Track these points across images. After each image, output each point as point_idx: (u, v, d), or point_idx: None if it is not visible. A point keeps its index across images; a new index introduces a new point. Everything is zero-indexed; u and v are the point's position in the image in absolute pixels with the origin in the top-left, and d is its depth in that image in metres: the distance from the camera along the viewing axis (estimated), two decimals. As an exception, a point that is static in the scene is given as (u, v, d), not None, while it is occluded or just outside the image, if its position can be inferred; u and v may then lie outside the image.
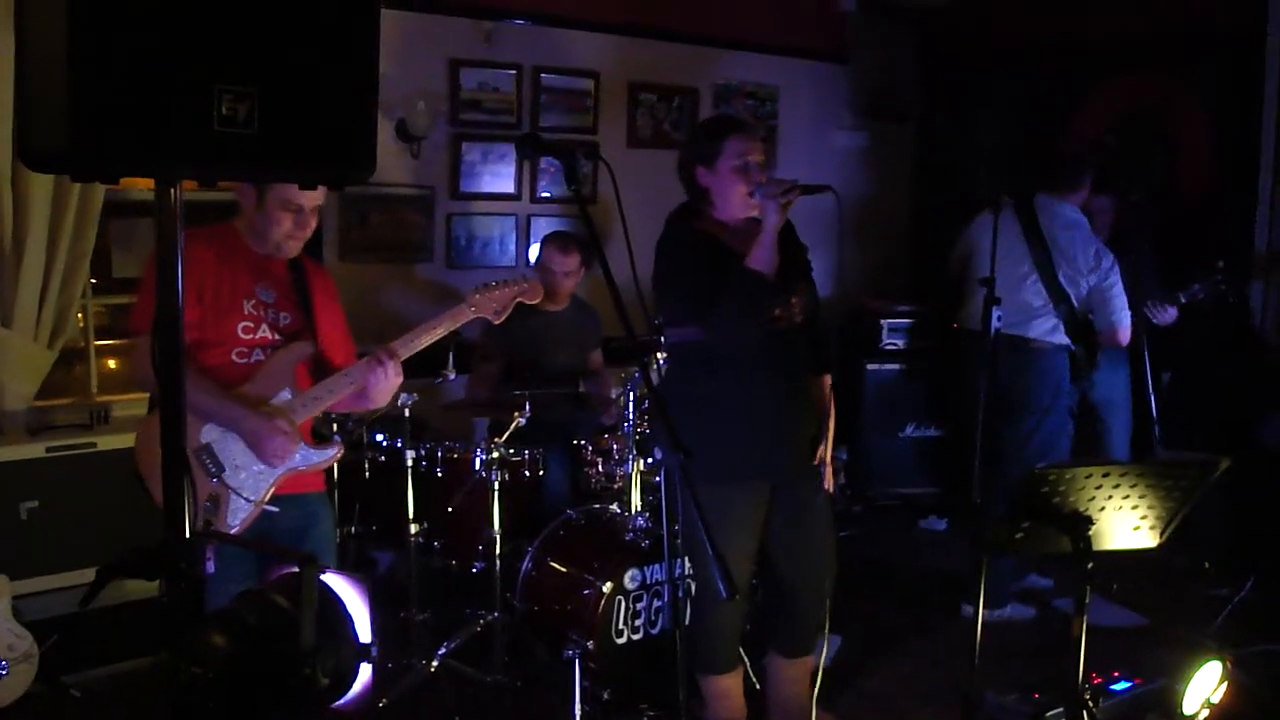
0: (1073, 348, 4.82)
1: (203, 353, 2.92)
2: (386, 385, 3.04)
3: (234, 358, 2.95)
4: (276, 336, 3.01)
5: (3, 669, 3.81)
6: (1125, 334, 4.75)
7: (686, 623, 3.68)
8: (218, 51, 1.53)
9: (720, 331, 3.47)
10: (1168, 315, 5.06)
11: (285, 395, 2.97)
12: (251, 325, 2.98)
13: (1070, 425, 4.98)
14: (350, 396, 3.06)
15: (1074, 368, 4.90)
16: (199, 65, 1.51)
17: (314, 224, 3.05)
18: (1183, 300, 5.03)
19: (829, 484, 3.71)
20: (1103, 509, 2.79)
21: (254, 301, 2.99)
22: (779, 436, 3.57)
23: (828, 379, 3.76)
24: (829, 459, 3.71)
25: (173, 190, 1.64)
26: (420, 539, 4.32)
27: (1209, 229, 5.78)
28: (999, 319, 3.45)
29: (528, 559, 4.18)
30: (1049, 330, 4.78)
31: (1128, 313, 4.74)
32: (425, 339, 3.12)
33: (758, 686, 3.99)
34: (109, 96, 1.46)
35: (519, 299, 3.29)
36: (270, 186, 2.92)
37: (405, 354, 3.08)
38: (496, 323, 3.29)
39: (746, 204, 3.50)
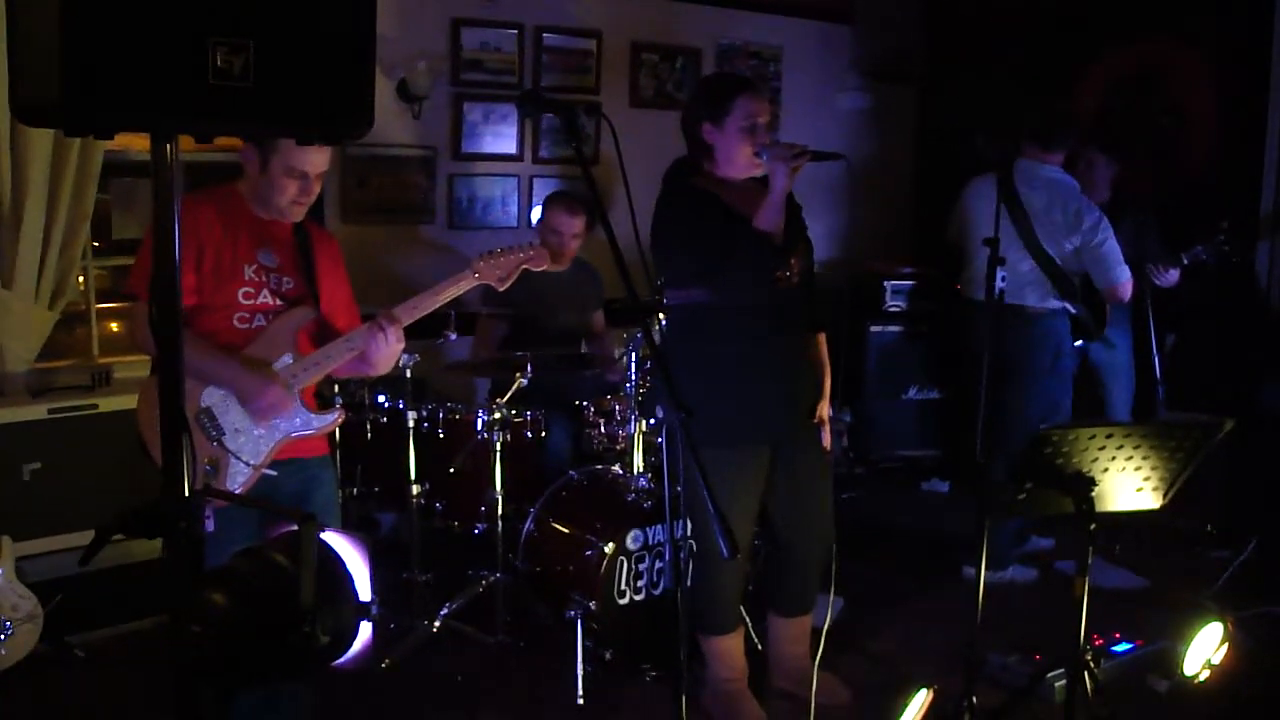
0: (1071, 310, 4.79)
1: (203, 317, 2.91)
2: (387, 351, 3.03)
3: (235, 322, 2.94)
4: (279, 302, 2.99)
5: (7, 629, 3.82)
6: (1125, 289, 4.70)
7: (688, 583, 3.69)
8: (212, 3, 1.51)
9: (726, 292, 3.46)
10: (1169, 277, 5.01)
11: (286, 360, 2.96)
12: (253, 291, 2.96)
13: (1071, 388, 4.97)
14: (352, 362, 3.05)
15: (1076, 329, 4.87)
16: (193, 17, 1.49)
17: (318, 190, 3.03)
18: (1185, 262, 4.98)
19: (827, 442, 3.72)
20: (1106, 470, 2.79)
21: (255, 266, 2.97)
22: (779, 398, 3.57)
23: (823, 336, 3.76)
24: (827, 417, 3.71)
25: (168, 146, 1.62)
26: (422, 500, 4.33)
27: (1214, 191, 5.72)
28: (1003, 279, 3.42)
29: (530, 520, 4.18)
30: (1042, 296, 4.73)
31: (1124, 268, 4.68)
32: (429, 304, 3.10)
33: (759, 647, 4.01)
34: (102, 49, 1.44)
35: (524, 266, 3.26)
36: (274, 151, 2.90)
37: (408, 320, 3.06)
38: (501, 289, 3.27)
39: (751, 163, 3.49)
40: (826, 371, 3.75)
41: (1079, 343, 4.98)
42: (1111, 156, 5.20)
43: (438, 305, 3.13)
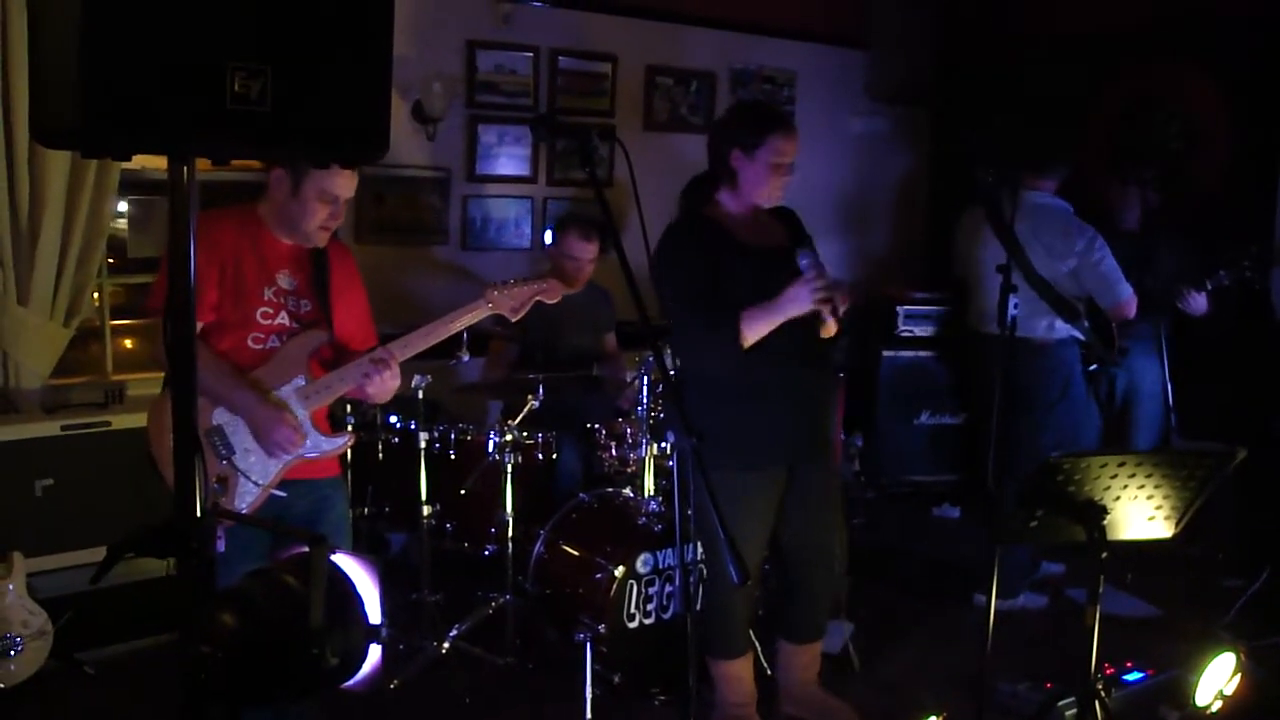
0: (1080, 337, 4.77)
1: (219, 335, 2.92)
2: (382, 388, 3.02)
3: (250, 343, 2.95)
4: (295, 324, 3.00)
5: (18, 645, 3.83)
6: (1129, 307, 4.65)
7: (698, 607, 3.68)
8: (230, 29, 1.53)
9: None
10: (1197, 303, 4.92)
11: (299, 382, 2.97)
12: (271, 311, 2.97)
13: (1097, 415, 4.94)
14: (359, 387, 3.06)
15: (1088, 355, 4.85)
16: (212, 43, 1.51)
17: (343, 215, 3.05)
18: (1209, 287, 4.94)
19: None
20: (1118, 499, 2.78)
21: (275, 288, 2.98)
22: (793, 422, 3.56)
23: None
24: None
25: (185, 168, 1.63)
26: (433, 521, 4.33)
27: (1228, 215, 5.70)
28: (1016, 306, 3.42)
29: (540, 542, 4.18)
30: (1046, 326, 4.71)
31: (1126, 285, 4.64)
32: (442, 332, 3.11)
33: (769, 672, 3.99)
34: (122, 73, 1.45)
35: (537, 298, 3.27)
36: (307, 175, 2.91)
37: (405, 356, 3.06)
38: (514, 320, 3.27)
39: (772, 196, 3.56)
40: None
41: (1093, 367, 4.96)
42: (1138, 182, 5.17)
43: (449, 334, 3.13)
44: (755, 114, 3.67)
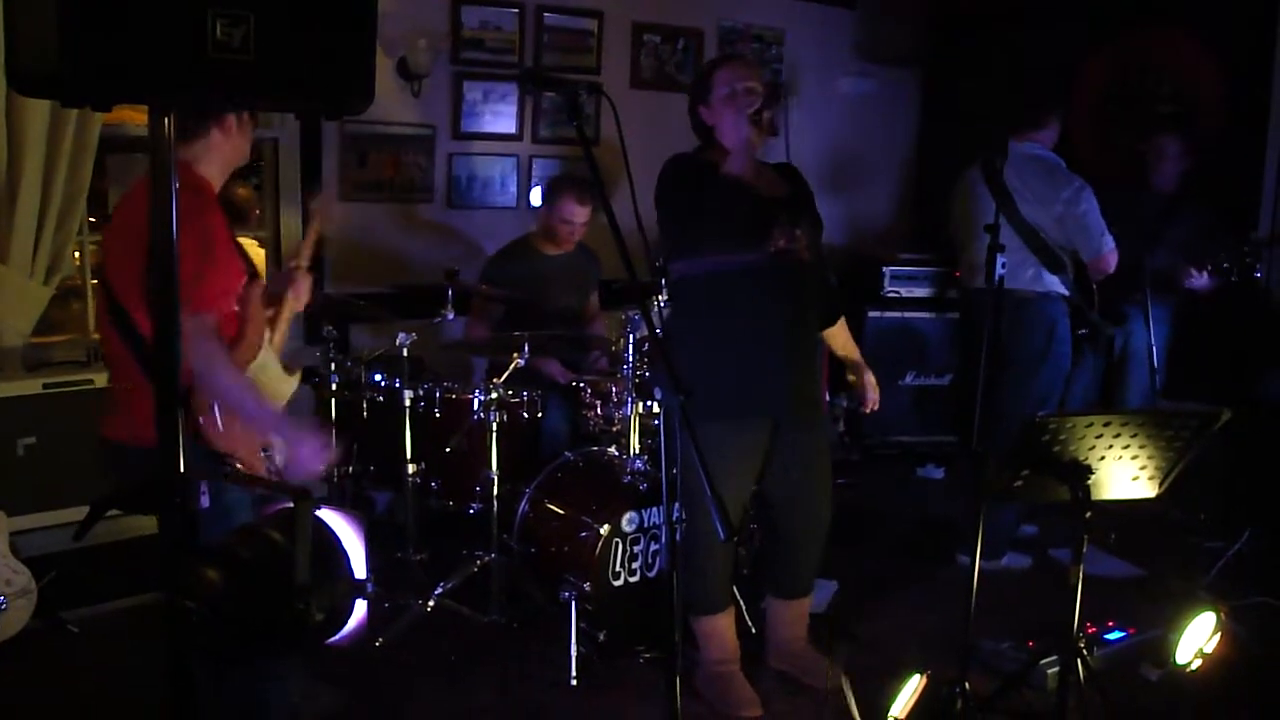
0: (1064, 292, 4.77)
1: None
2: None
3: (232, 307, 2.76)
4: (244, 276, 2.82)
5: (1, 604, 3.82)
6: (1110, 260, 4.66)
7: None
8: (212, -26, 1.49)
9: (723, 253, 3.44)
10: (1199, 281, 4.93)
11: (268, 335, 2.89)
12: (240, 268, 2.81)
13: (1089, 367, 4.96)
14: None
15: (1077, 319, 4.86)
16: (192, -12, 1.47)
17: None
18: (1209, 268, 4.93)
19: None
20: (1102, 458, 2.79)
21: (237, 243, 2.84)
22: (780, 372, 3.55)
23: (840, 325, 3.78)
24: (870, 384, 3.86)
25: (167, 119, 1.61)
26: (418, 479, 4.33)
27: (1220, 178, 5.68)
28: (1004, 265, 3.40)
29: (525, 501, 4.18)
30: (1031, 279, 4.71)
31: (1108, 238, 4.64)
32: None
33: (754, 630, 4.01)
34: (100, 18, 1.42)
35: None
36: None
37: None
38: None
39: (743, 129, 3.40)
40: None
41: (1082, 331, 4.96)
42: (1187, 145, 5.17)
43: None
44: (703, 65, 3.71)
